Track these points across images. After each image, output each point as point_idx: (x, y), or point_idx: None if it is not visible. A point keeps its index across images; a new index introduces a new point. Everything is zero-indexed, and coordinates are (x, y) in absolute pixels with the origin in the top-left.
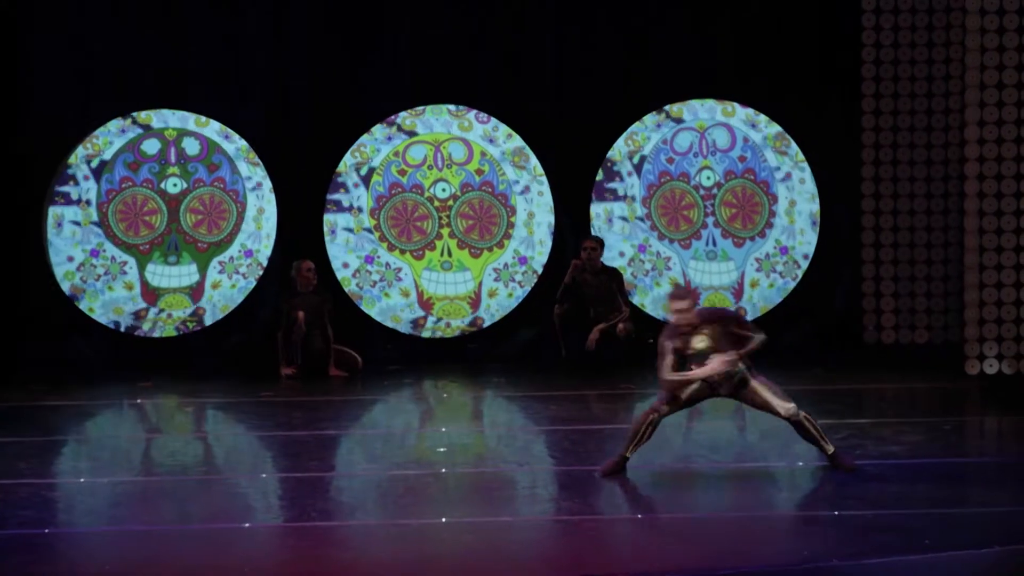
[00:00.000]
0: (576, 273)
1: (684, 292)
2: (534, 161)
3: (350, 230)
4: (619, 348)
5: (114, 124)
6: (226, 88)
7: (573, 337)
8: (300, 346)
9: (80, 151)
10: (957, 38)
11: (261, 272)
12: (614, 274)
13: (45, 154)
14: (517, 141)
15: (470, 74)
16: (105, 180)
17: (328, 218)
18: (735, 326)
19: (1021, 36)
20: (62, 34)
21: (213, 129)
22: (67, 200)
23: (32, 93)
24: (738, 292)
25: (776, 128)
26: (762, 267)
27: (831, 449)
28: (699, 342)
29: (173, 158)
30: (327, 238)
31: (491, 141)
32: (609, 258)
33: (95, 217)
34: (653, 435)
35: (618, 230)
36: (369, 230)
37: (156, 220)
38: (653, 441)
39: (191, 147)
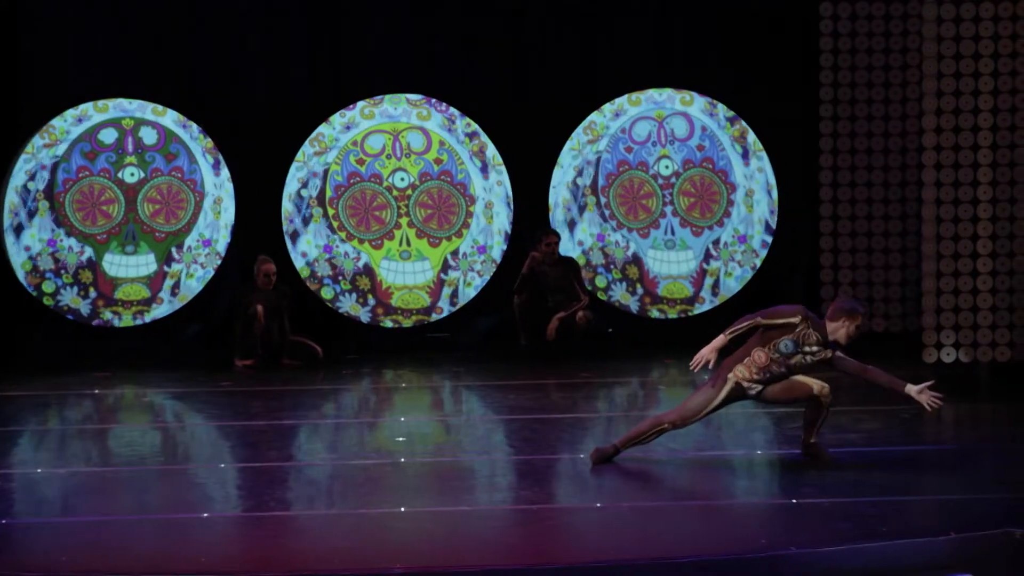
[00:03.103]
0: (534, 265)
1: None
2: (492, 150)
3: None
4: (578, 337)
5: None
6: (183, 76)
7: (533, 326)
8: (259, 339)
9: (37, 140)
10: (914, 27)
11: (219, 262)
12: (571, 264)
13: (2, 143)
14: (475, 129)
15: (429, 63)
16: (62, 170)
17: (286, 207)
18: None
19: (977, 25)
20: (19, 22)
21: (170, 118)
22: (24, 189)
23: None
24: (697, 281)
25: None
26: (720, 256)
27: (814, 439)
28: (809, 346)
29: (130, 147)
30: (285, 228)
31: (449, 131)
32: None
33: (51, 207)
34: (652, 441)
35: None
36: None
37: (113, 210)
38: (613, 431)
39: (148, 136)
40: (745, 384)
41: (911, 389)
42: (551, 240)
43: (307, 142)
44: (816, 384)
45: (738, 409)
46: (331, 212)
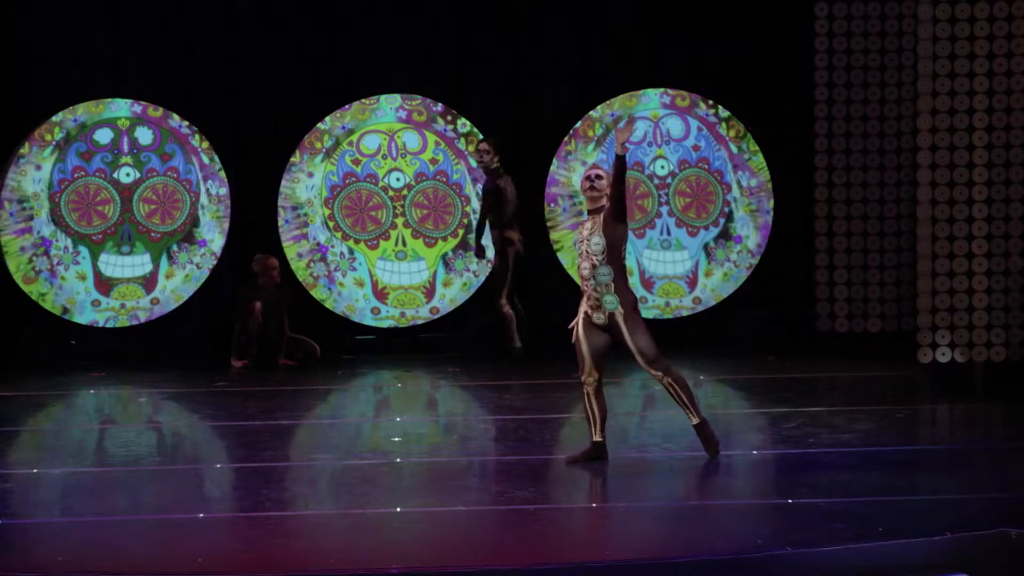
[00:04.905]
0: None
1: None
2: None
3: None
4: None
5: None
6: (179, 76)
7: (521, 329)
8: (256, 336)
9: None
10: (909, 27)
11: (215, 262)
12: (501, 177)
13: None
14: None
15: (424, 63)
16: (58, 170)
17: (282, 207)
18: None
19: (972, 25)
20: (17, 22)
21: (166, 118)
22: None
23: None
24: (692, 281)
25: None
26: (716, 256)
27: (696, 420)
28: (586, 229)
29: (126, 147)
30: (280, 227)
31: (445, 130)
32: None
33: (47, 206)
34: (602, 406)
35: None
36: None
37: (109, 210)
38: (609, 432)
39: (144, 136)
40: (590, 312)
41: (618, 149)
42: (481, 147)
43: (303, 142)
44: (645, 368)
45: (733, 409)
46: (326, 212)
